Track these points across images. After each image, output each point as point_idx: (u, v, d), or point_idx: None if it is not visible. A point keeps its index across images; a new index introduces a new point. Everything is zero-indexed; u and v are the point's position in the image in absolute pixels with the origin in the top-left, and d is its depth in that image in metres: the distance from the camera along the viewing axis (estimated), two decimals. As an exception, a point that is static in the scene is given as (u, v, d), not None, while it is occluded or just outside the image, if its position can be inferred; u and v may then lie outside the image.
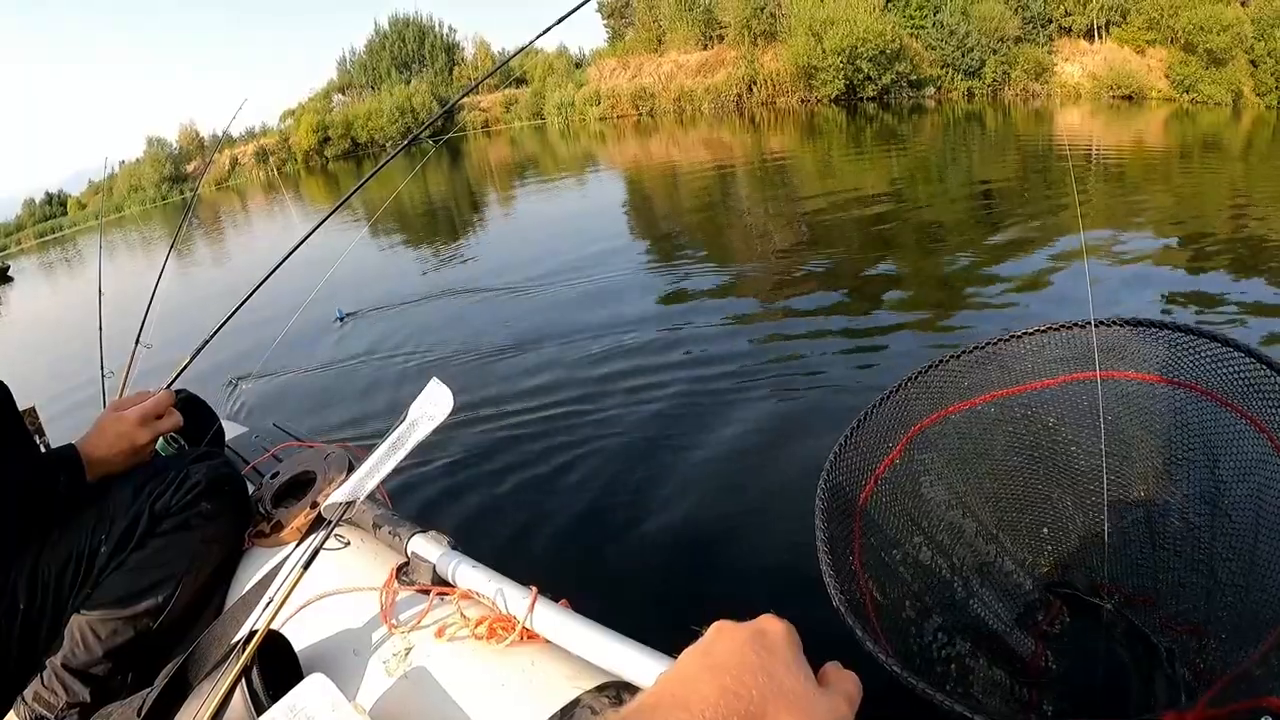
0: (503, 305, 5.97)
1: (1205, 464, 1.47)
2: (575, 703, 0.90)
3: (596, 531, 2.68)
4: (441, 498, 2.98)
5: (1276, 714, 1.02)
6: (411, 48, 50.74)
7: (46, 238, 41.55)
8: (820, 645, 0.60)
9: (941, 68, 28.09)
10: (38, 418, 1.69)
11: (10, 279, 21.30)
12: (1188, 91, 22.78)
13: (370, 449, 1.20)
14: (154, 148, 49.26)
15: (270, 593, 1.09)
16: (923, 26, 28.47)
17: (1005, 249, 6.01)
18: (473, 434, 3.51)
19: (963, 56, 27.34)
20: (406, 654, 1.04)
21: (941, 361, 1.68)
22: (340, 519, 1.17)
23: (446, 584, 1.13)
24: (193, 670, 1.07)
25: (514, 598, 1.03)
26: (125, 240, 23.60)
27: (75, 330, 7.98)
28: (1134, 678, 1.45)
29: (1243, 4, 22.84)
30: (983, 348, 1.67)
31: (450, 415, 1.15)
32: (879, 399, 1.64)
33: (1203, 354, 1.43)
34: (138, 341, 2.23)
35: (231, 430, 2.01)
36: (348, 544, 1.32)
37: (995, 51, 26.89)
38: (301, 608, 1.18)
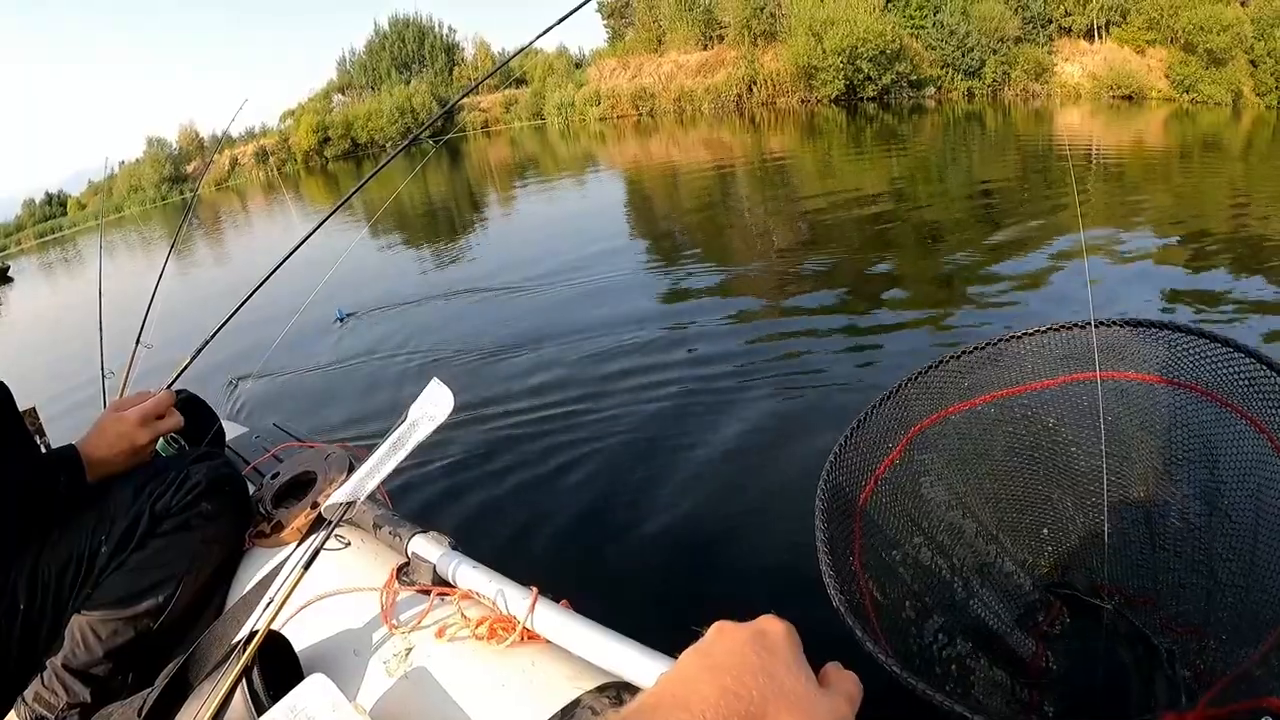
0: (503, 305, 5.97)
1: (1205, 464, 1.47)
2: (576, 703, 0.90)
3: (597, 532, 2.68)
4: (442, 498, 2.98)
5: (1276, 714, 1.02)
6: (411, 48, 50.73)
7: (46, 238, 41.55)
8: (821, 645, 0.60)
9: (941, 68, 28.09)
10: (38, 418, 1.70)
11: (10, 279, 21.30)
12: (1188, 91, 22.78)
13: (371, 449, 1.20)
14: (154, 148, 49.27)
15: (271, 593, 1.09)
16: (923, 26, 28.47)
17: (1005, 248, 6.01)
18: (473, 434, 3.51)
19: (963, 56, 27.34)
20: (407, 654, 1.04)
21: (941, 362, 1.68)
22: (341, 519, 1.17)
23: (447, 584, 1.13)
24: (193, 670, 1.07)
25: (514, 598, 1.03)
26: (125, 240, 23.60)
27: (75, 330, 7.99)
28: (1134, 678, 1.45)
29: (1243, 4, 22.84)
30: (983, 348, 1.67)
31: (451, 415, 1.15)
32: (879, 399, 1.64)
33: (1203, 354, 1.43)
34: (138, 342, 2.23)
35: (232, 430, 2.01)
36: (348, 544, 1.32)
37: (995, 51, 26.89)
38: (302, 608, 1.18)
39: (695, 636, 0.53)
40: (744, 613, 0.56)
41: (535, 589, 1.04)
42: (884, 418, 1.64)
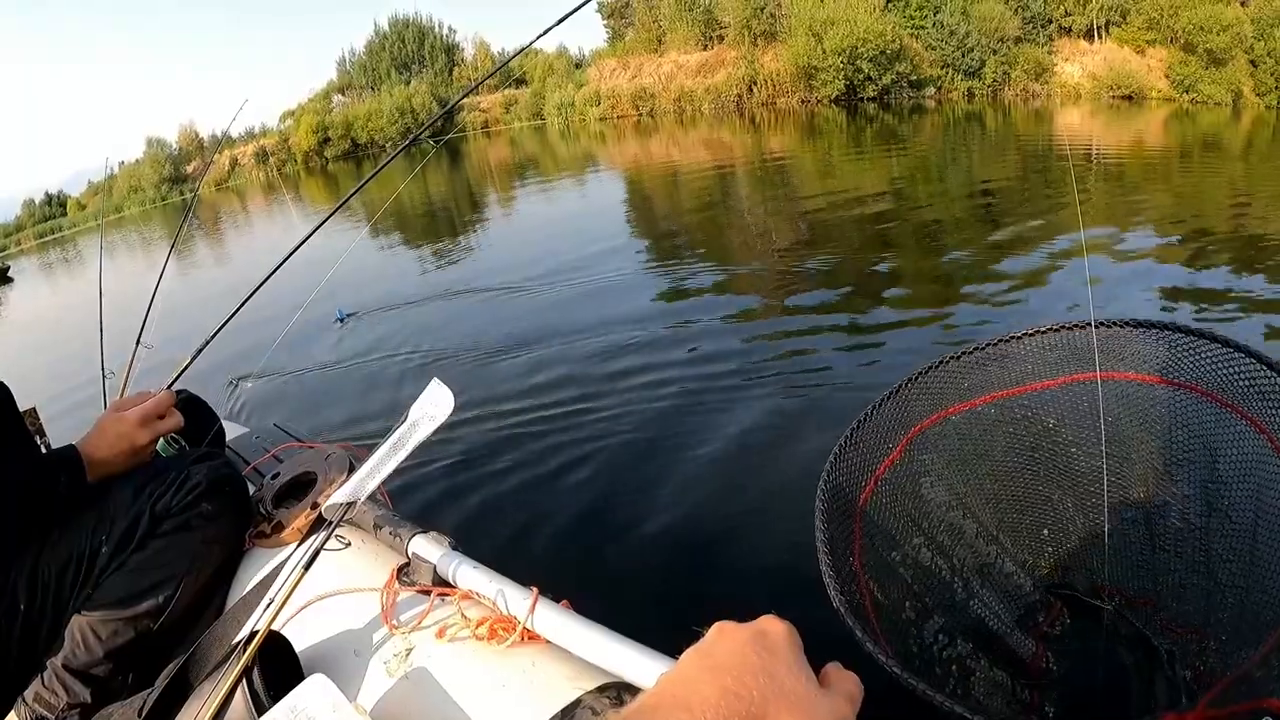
0: (503, 305, 5.98)
1: (1205, 465, 1.47)
2: (576, 703, 0.90)
3: (597, 532, 2.68)
4: (442, 498, 2.98)
5: (1277, 715, 1.02)
6: (411, 48, 50.73)
7: (46, 238, 41.57)
8: (821, 646, 0.60)
9: (942, 68, 28.09)
10: (38, 418, 1.70)
11: (10, 279, 21.31)
12: (1187, 91, 22.77)
13: (371, 450, 1.20)
14: (153, 148, 49.27)
15: (271, 593, 1.09)
16: (923, 27, 28.47)
17: (1005, 248, 6.01)
18: (473, 434, 3.51)
19: (963, 57, 27.34)
20: (407, 655, 1.04)
21: (941, 362, 1.68)
22: (341, 520, 1.17)
23: (447, 585, 1.13)
24: (193, 671, 1.07)
25: (515, 598, 1.03)
26: (125, 241, 23.61)
27: (75, 330, 7.98)
28: (1134, 680, 1.45)
29: (1242, 4, 22.84)
30: (983, 349, 1.67)
31: (451, 416, 1.15)
32: (879, 400, 1.64)
33: (1203, 355, 1.43)
34: (138, 342, 2.23)
35: (232, 431, 2.01)
36: (348, 545, 1.32)
37: (995, 52, 26.89)
38: (302, 608, 1.18)
39: (696, 637, 0.53)
40: (744, 613, 0.57)
41: (535, 589, 1.04)
42: (884, 418, 1.64)
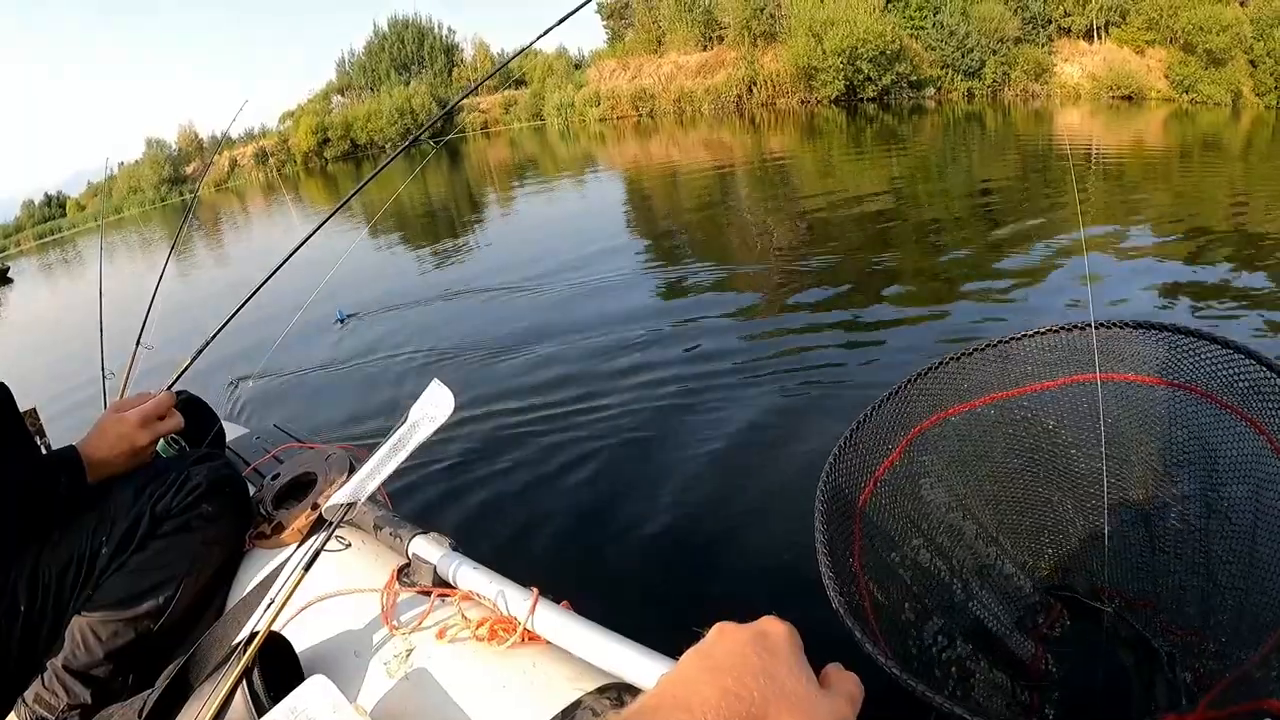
0: (503, 305, 5.98)
1: (1204, 466, 1.47)
2: (577, 704, 0.90)
3: (598, 532, 2.68)
4: (442, 499, 2.99)
5: (1276, 716, 1.02)
6: (411, 49, 50.75)
7: (45, 239, 41.58)
8: (822, 646, 0.60)
9: (941, 68, 28.10)
10: (38, 419, 1.70)
11: (10, 280, 21.31)
12: (1187, 92, 22.78)
13: (371, 450, 1.20)
14: (153, 149, 49.29)
15: (271, 594, 1.09)
16: (922, 27, 28.48)
17: (1006, 247, 6.02)
18: (474, 434, 3.51)
19: (962, 57, 27.35)
20: (407, 655, 1.04)
21: (941, 363, 1.68)
22: (341, 520, 1.17)
23: (448, 585, 1.13)
24: (194, 672, 1.07)
25: (515, 599, 1.03)
26: (125, 241, 23.62)
27: (75, 331, 7.99)
28: (1134, 681, 1.45)
29: (1242, 4, 22.85)
30: (982, 350, 1.67)
31: (451, 416, 1.15)
32: (878, 401, 1.64)
33: (1202, 356, 1.43)
34: (138, 342, 2.23)
35: (232, 431, 2.01)
36: (349, 545, 1.32)
37: (995, 52, 26.90)
38: (302, 609, 1.18)
39: (696, 637, 0.53)
40: (745, 613, 0.57)
41: (536, 590, 1.04)
42: (884, 419, 1.64)
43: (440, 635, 1.05)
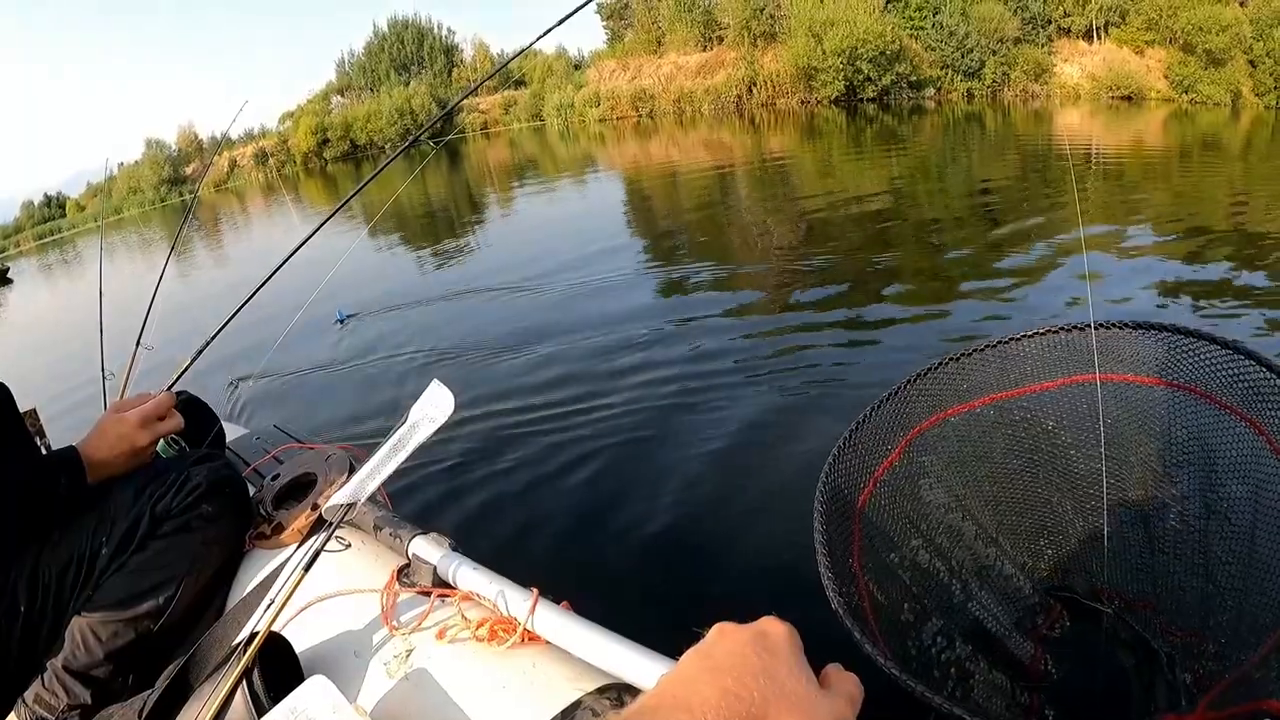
0: (503, 305, 5.98)
1: (1204, 467, 1.47)
2: (576, 704, 0.90)
3: (598, 532, 2.68)
4: (442, 499, 2.98)
5: (1276, 717, 1.02)
6: (410, 50, 50.77)
7: (45, 240, 41.56)
8: (822, 647, 0.60)
9: (941, 69, 28.13)
10: (38, 419, 1.70)
11: (10, 281, 21.31)
12: (1186, 92, 22.81)
13: (371, 450, 1.20)
14: (152, 150, 49.31)
15: (271, 594, 1.09)
16: (922, 27, 28.51)
17: (1005, 247, 6.02)
18: (474, 434, 3.51)
19: (962, 57, 27.38)
20: (407, 656, 1.04)
21: (940, 364, 1.68)
22: (341, 521, 1.17)
23: (447, 586, 1.13)
24: (194, 672, 1.07)
25: (515, 599, 1.03)
26: (125, 242, 23.62)
27: (75, 331, 7.98)
28: (1134, 682, 1.45)
29: (1241, 4, 22.87)
30: (981, 350, 1.67)
31: (451, 416, 1.15)
32: (878, 401, 1.64)
33: (1202, 356, 1.43)
34: (138, 343, 2.23)
35: (232, 432, 2.01)
36: (349, 546, 1.32)
37: (995, 52, 26.93)
38: (302, 609, 1.18)
39: (696, 638, 0.53)
40: (745, 614, 0.57)
41: (536, 590, 1.04)
42: (883, 419, 1.64)
43: (440, 636, 1.05)
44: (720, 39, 34.82)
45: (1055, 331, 1.61)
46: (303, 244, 2.00)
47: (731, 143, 20.24)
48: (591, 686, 0.92)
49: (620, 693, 0.91)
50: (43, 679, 1.18)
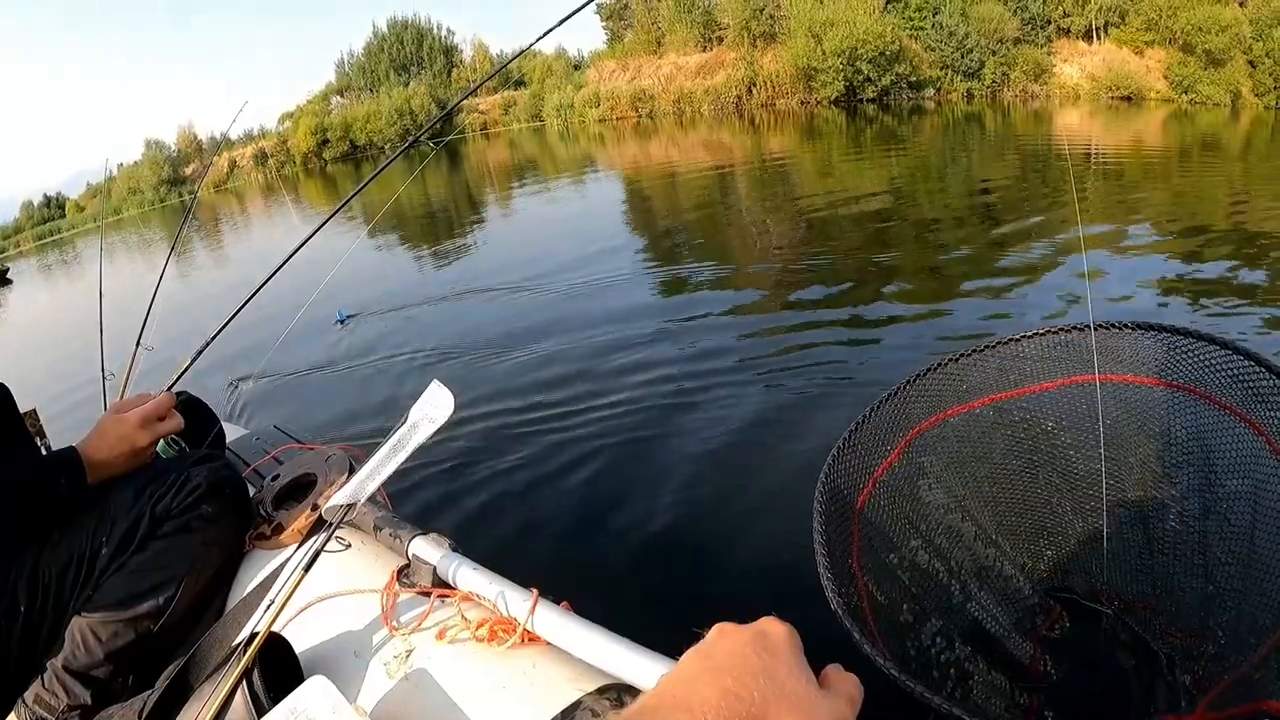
0: (503, 306, 5.98)
1: (1203, 468, 1.47)
2: (576, 705, 0.90)
3: (598, 532, 2.68)
4: (442, 499, 2.98)
5: (1275, 717, 1.02)
6: (410, 50, 50.77)
7: (45, 240, 41.55)
8: (822, 647, 0.60)
9: (941, 69, 28.13)
10: (38, 420, 1.70)
11: (9, 281, 21.31)
12: (1186, 92, 22.82)
13: (371, 451, 1.20)
14: (152, 150, 49.32)
15: (271, 595, 1.09)
16: (922, 28, 28.52)
17: (1005, 247, 6.03)
18: (474, 435, 3.51)
19: (962, 58, 27.38)
20: (407, 656, 1.04)
21: (940, 365, 1.68)
22: (341, 521, 1.17)
23: (447, 586, 1.13)
24: (194, 672, 1.07)
25: (515, 600, 1.04)
26: (124, 242, 23.61)
27: (75, 332, 7.98)
28: (1133, 683, 1.46)
29: (1241, 4, 22.89)
30: (981, 351, 1.67)
31: (451, 416, 1.15)
32: (877, 402, 1.64)
33: (1201, 357, 1.43)
34: (138, 343, 2.23)
35: (232, 432, 2.01)
36: (348, 546, 1.32)
37: (994, 53, 26.94)
38: (302, 610, 1.18)
39: (696, 638, 0.53)
40: (745, 614, 0.57)
41: (536, 591, 1.04)
42: (882, 420, 1.64)
43: (440, 636, 1.05)
44: (720, 39, 34.82)
45: (1055, 332, 1.62)
46: (303, 244, 2.01)
47: (731, 143, 20.24)
48: (591, 687, 0.92)
49: (620, 693, 0.91)
50: (43, 679, 1.18)
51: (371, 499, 1.20)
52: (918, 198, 9.08)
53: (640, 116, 34.48)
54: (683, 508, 2.75)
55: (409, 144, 2.45)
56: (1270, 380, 1.29)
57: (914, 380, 1.67)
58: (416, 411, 1.17)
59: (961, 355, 1.68)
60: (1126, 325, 1.54)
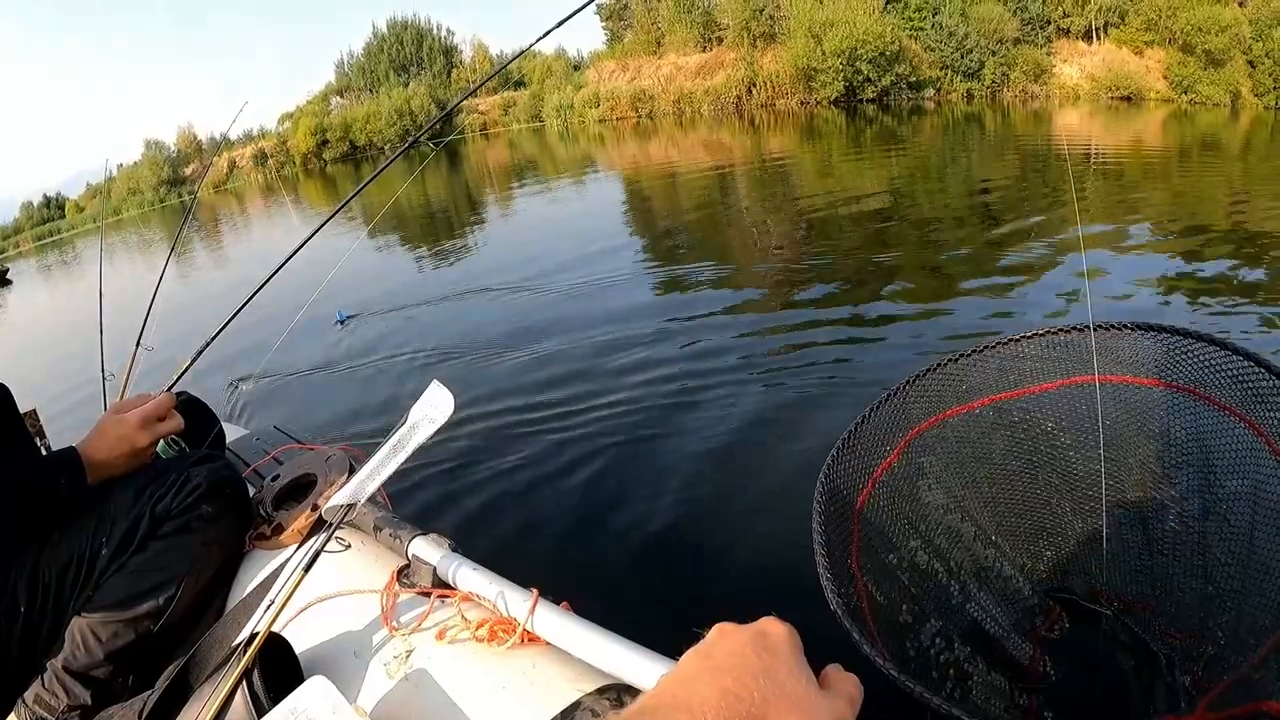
0: (503, 306, 5.98)
1: (1202, 469, 1.47)
2: (576, 705, 0.90)
3: (598, 532, 2.68)
4: (442, 499, 2.98)
5: (1275, 718, 1.02)
6: (409, 50, 50.79)
7: (44, 240, 41.56)
8: (821, 647, 0.60)
9: (941, 69, 28.14)
10: (39, 420, 1.70)
11: (9, 282, 21.31)
12: (1186, 92, 22.84)
13: (371, 451, 1.20)
14: (152, 150, 49.33)
15: (271, 595, 1.09)
16: (922, 28, 28.52)
17: (1005, 247, 6.03)
18: (473, 435, 3.51)
19: (962, 58, 27.39)
20: (407, 656, 1.04)
21: (939, 365, 1.68)
22: (341, 521, 1.17)
23: (447, 586, 1.13)
24: (194, 673, 1.07)
25: (515, 600, 1.04)
26: (124, 243, 23.61)
27: (75, 332, 7.98)
28: (1133, 684, 1.46)
29: (1240, 5, 22.90)
30: (980, 351, 1.67)
31: (451, 417, 1.15)
32: (876, 402, 1.65)
33: (1201, 358, 1.43)
34: (138, 344, 2.23)
35: (232, 433, 2.02)
36: (348, 546, 1.32)
37: (994, 53, 26.95)
38: (302, 610, 1.18)
39: (696, 638, 0.53)
40: (745, 614, 0.57)
41: (535, 591, 1.04)
42: (882, 420, 1.64)
43: (440, 636, 1.05)
44: (720, 40, 34.82)
45: (1054, 333, 1.62)
46: (303, 245, 2.01)
47: (731, 143, 20.24)
48: (591, 687, 0.92)
49: (620, 693, 0.91)
50: (43, 679, 1.18)
51: (371, 499, 1.20)
52: (917, 198, 9.09)
53: (640, 117, 34.48)
54: (683, 507, 2.75)
55: (409, 145, 2.45)
56: (1270, 381, 1.29)
57: (914, 380, 1.67)
58: (416, 412, 1.17)
59: (961, 355, 1.68)
60: (1126, 326, 1.54)
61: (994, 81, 27.10)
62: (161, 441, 1.45)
